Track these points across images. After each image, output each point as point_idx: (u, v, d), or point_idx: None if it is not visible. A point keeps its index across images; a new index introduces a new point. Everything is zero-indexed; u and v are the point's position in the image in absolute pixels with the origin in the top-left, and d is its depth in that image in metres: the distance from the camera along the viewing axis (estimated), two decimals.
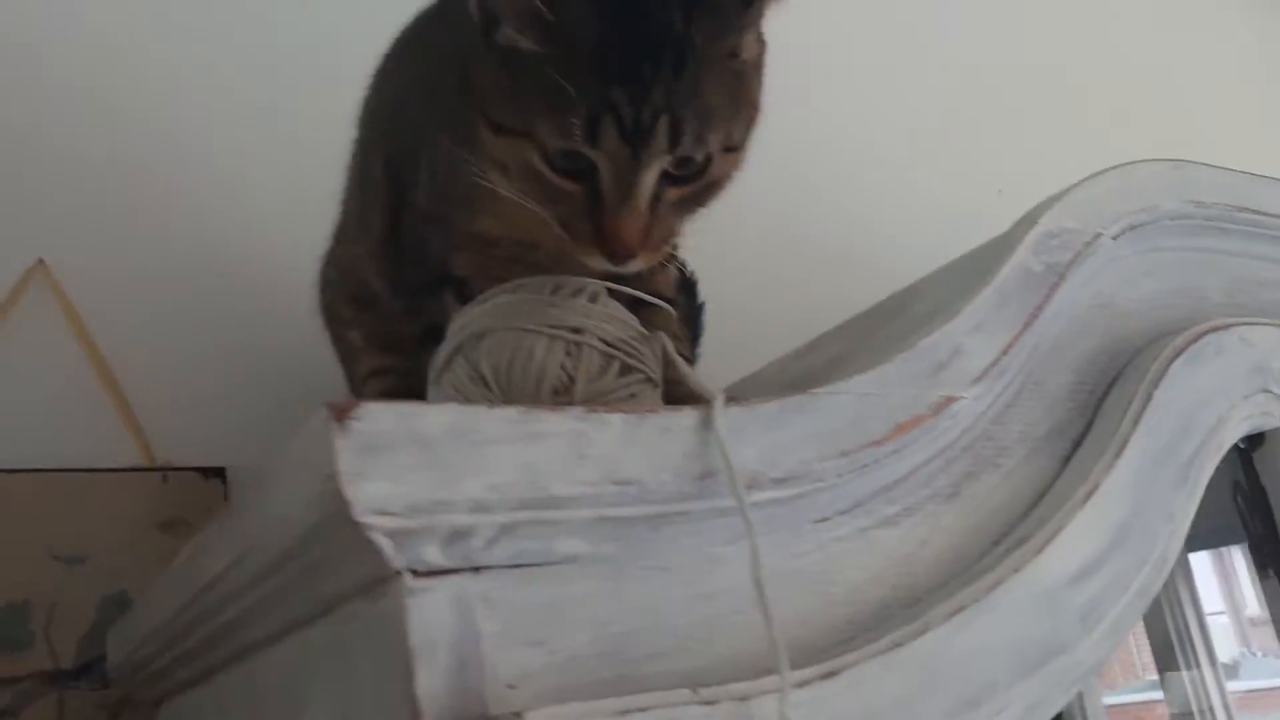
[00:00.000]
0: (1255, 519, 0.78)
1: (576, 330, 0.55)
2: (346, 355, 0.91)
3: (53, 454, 0.94)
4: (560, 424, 0.41)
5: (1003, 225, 0.67)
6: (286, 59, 1.21)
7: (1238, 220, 0.75)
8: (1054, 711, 0.53)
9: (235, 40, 1.20)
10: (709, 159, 0.55)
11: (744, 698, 0.41)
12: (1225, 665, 1.20)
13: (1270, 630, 0.85)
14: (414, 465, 0.38)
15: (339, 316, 0.90)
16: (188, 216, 1.09)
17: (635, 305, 0.60)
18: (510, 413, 0.41)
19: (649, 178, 0.53)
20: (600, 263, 0.54)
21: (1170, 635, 1.08)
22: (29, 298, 0.98)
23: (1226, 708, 1.07)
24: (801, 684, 0.43)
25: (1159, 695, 1.12)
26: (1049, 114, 1.81)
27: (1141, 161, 0.70)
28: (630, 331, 0.57)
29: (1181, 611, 1.09)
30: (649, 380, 0.57)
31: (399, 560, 0.39)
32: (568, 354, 0.54)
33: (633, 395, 0.56)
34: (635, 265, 0.55)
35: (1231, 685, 1.15)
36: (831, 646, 0.47)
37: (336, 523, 0.38)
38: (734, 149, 0.56)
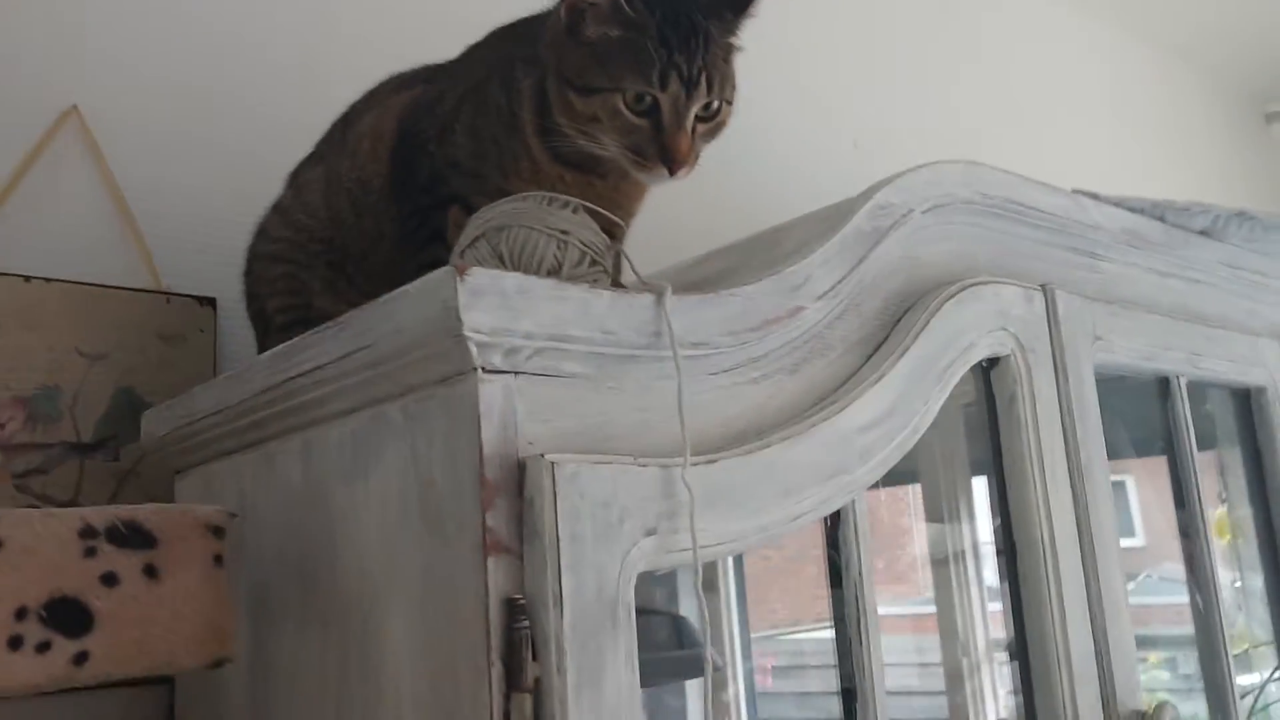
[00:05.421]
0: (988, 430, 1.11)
1: (565, 232, 0.81)
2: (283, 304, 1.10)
3: (82, 271, 1.15)
4: (577, 293, 0.69)
5: (854, 173, 0.97)
6: None
7: (1008, 209, 1.07)
8: (834, 509, 0.84)
9: None
10: (720, 106, 0.89)
11: (664, 466, 0.70)
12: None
13: None
14: (496, 306, 0.65)
15: (300, 272, 1.08)
16: (204, 71, 1.28)
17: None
18: (550, 282, 0.68)
19: (693, 111, 0.86)
20: (659, 176, 0.86)
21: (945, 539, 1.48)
22: (63, 138, 1.17)
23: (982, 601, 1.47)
24: (694, 464, 0.72)
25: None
26: (899, 78, 2.14)
27: (947, 161, 1.01)
28: (599, 238, 0.83)
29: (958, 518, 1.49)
30: (606, 273, 0.84)
31: (478, 361, 0.65)
32: (559, 247, 0.81)
33: (595, 281, 0.83)
34: (682, 174, 0.87)
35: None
36: (712, 449, 0.76)
37: (445, 334, 0.64)
38: (729, 103, 0.90)
